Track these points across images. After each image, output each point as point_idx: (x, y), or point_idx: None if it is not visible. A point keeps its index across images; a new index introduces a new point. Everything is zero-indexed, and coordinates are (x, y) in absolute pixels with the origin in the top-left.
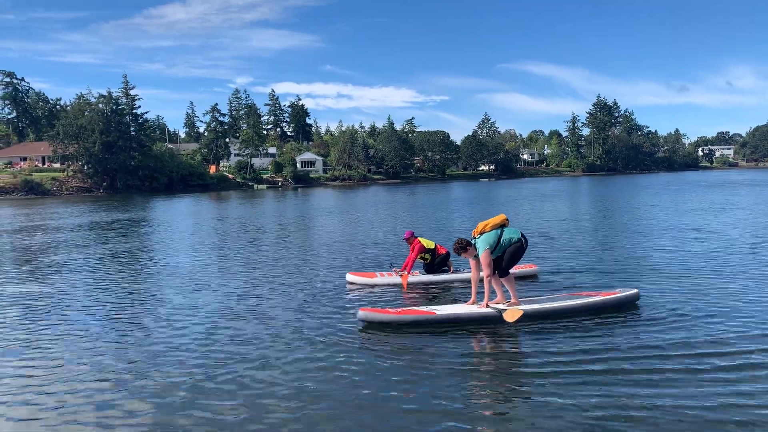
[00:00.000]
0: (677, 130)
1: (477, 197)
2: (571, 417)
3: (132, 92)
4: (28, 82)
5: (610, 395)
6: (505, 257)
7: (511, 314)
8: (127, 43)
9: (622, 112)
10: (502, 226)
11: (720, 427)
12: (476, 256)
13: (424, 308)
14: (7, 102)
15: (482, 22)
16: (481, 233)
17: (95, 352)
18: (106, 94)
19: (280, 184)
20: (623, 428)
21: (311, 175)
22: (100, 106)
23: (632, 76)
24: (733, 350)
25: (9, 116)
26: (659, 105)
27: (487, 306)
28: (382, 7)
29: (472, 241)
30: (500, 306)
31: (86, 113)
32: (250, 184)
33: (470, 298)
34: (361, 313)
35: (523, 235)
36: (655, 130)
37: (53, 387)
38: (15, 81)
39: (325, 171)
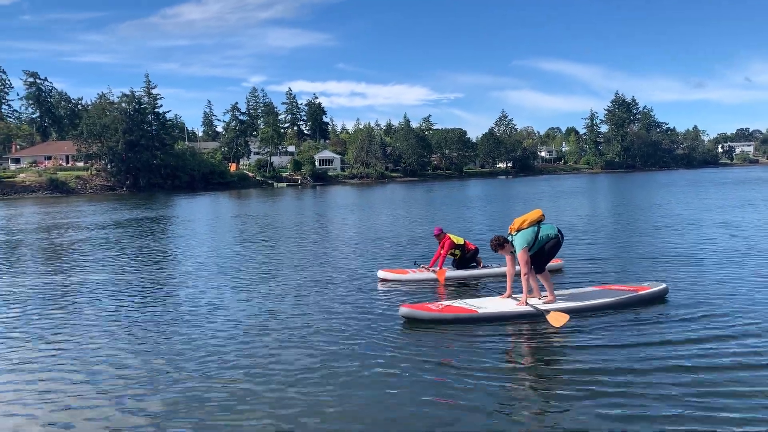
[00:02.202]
0: (695, 126)
1: (496, 195)
2: (609, 415)
3: (153, 91)
4: (51, 82)
5: (646, 394)
6: (541, 254)
7: (557, 319)
8: (144, 42)
9: (640, 108)
10: (539, 222)
11: (751, 423)
12: (512, 252)
13: (466, 305)
14: (30, 102)
15: (496, 18)
16: (518, 230)
17: (129, 350)
18: (129, 93)
19: (299, 182)
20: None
21: (329, 173)
22: (123, 105)
23: (648, 72)
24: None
25: (33, 116)
26: (676, 101)
27: (526, 303)
28: (394, 4)
29: (509, 238)
30: (540, 305)
31: (108, 112)
32: (270, 182)
33: (505, 291)
34: (403, 309)
35: (559, 230)
36: (674, 127)
37: (74, 378)
38: (38, 81)
39: (342, 169)
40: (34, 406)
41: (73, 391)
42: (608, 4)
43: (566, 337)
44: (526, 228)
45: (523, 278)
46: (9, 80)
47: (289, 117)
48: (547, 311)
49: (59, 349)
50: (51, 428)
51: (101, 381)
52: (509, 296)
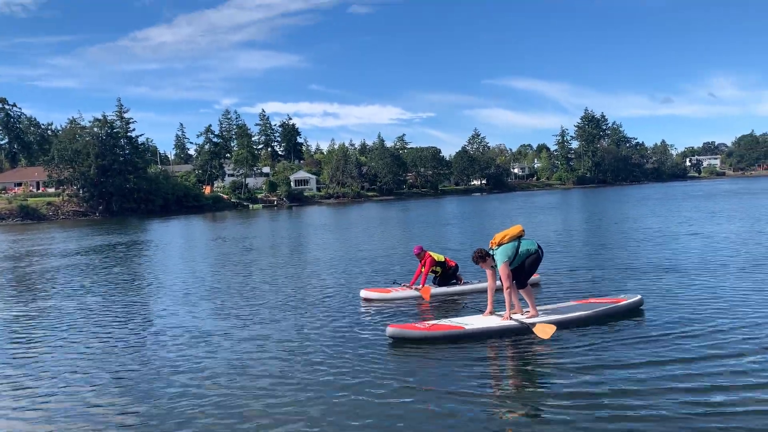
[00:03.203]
0: (663, 141)
1: (472, 212)
2: (592, 425)
3: (126, 115)
4: (19, 108)
5: (629, 406)
6: (522, 269)
7: (544, 330)
8: (114, 66)
9: (609, 124)
10: (519, 237)
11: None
12: (493, 267)
13: (452, 323)
14: None
15: (466, 38)
16: (500, 244)
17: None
18: (101, 117)
19: (275, 203)
20: None
21: (305, 194)
22: (95, 129)
23: (615, 88)
24: (735, 354)
25: (1, 142)
26: (644, 116)
27: (510, 318)
28: (366, 26)
29: (491, 252)
30: (524, 319)
31: (79, 137)
32: (245, 203)
33: (486, 307)
34: (390, 329)
35: (539, 246)
36: (642, 142)
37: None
38: (7, 107)
39: (318, 189)
40: None
41: (44, 419)
42: (576, 23)
43: (549, 352)
44: (507, 243)
45: (505, 292)
46: None
47: (263, 138)
48: (533, 324)
49: (28, 379)
50: None
51: (72, 413)
52: (491, 312)
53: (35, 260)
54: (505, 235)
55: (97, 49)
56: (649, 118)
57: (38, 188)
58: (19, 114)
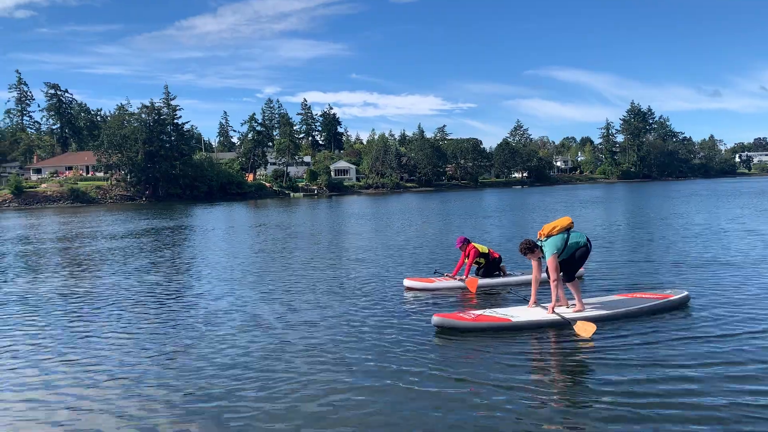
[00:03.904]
0: (712, 136)
1: (513, 205)
2: (638, 425)
3: (172, 102)
4: (71, 94)
5: (671, 403)
6: (570, 261)
7: (584, 328)
8: (160, 54)
9: (656, 118)
10: (568, 229)
11: None
12: (540, 259)
13: (498, 314)
14: (51, 113)
15: (509, 28)
16: (548, 236)
17: (150, 361)
18: (149, 104)
19: (315, 192)
20: None
21: (345, 183)
22: (143, 116)
23: (661, 80)
24: None
25: (53, 127)
26: (690, 110)
27: (553, 311)
28: (408, 14)
29: (539, 243)
30: (568, 314)
31: (127, 123)
32: (286, 192)
33: (529, 299)
34: (436, 318)
35: (588, 239)
36: (690, 136)
37: (96, 382)
38: (59, 93)
39: (357, 179)
40: (56, 406)
41: (93, 395)
42: (620, 13)
43: (594, 347)
44: (556, 234)
45: (552, 284)
46: (30, 92)
47: (304, 127)
48: (574, 320)
49: (77, 355)
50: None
51: (118, 388)
52: (535, 303)
53: (86, 241)
54: (555, 226)
55: (143, 38)
56: (696, 111)
57: (88, 172)
58: (70, 100)
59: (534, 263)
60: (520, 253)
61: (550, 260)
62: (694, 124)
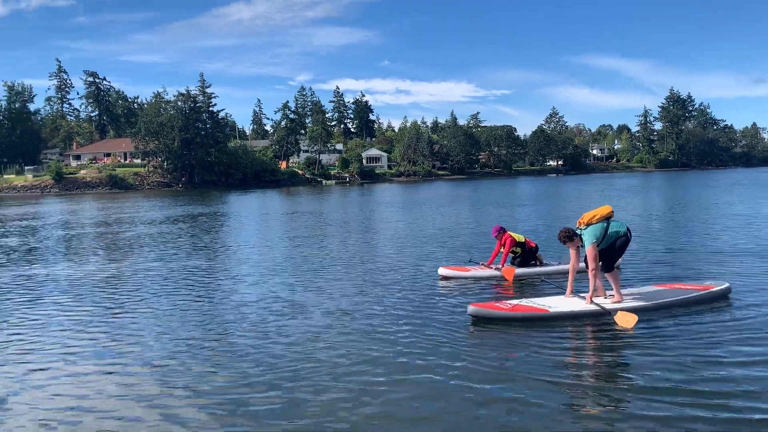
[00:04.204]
0: (755, 124)
1: (548, 193)
2: (675, 418)
3: (207, 90)
4: (109, 82)
5: (711, 405)
6: (610, 251)
7: (625, 319)
8: (194, 42)
9: (696, 105)
10: (608, 218)
11: None
12: (579, 247)
13: (535, 304)
14: (90, 100)
15: (542, 13)
16: (588, 225)
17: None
18: (185, 92)
19: (347, 179)
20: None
21: (376, 171)
22: (179, 103)
23: (701, 67)
24: None
25: (92, 114)
26: (732, 97)
27: (591, 301)
28: (439, 1)
29: (578, 231)
30: (607, 304)
31: (164, 111)
32: (318, 179)
33: (566, 288)
34: (472, 308)
35: (628, 228)
36: (731, 124)
37: (130, 368)
38: (98, 80)
39: (389, 167)
40: (92, 386)
41: (125, 380)
42: None
43: (632, 340)
44: (596, 223)
45: (590, 274)
46: (70, 80)
47: (336, 115)
48: (614, 311)
49: (111, 339)
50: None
51: (149, 374)
52: (572, 292)
53: (125, 227)
54: (594, 215)
55: (178, 26)
56: (738, 98)
57: (125, 159)
58: (108, 87)
59: (572, 252)
60: (559, 241)
61: (589, 249)
62: (736, 112)
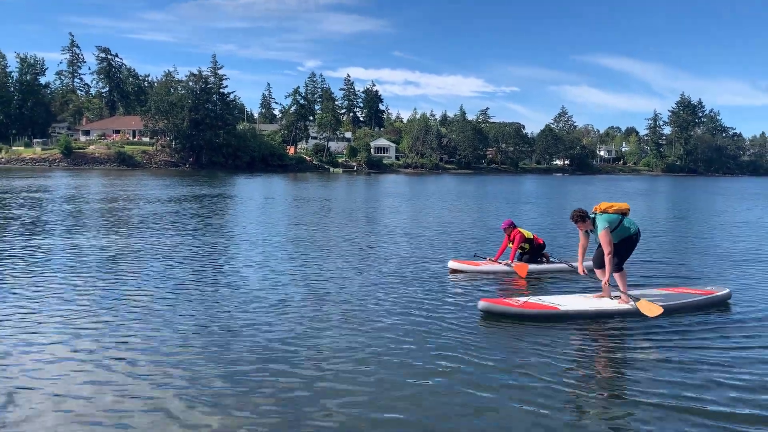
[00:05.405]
0: (764, 132)
1: (553, 192)
2: (677, 420)
3: (219, 72)
4: (121, 58)
5: (710, 413)
6: (619, 247)
7: (649, 308)
8: (205, 23)
9: (706, 111)
10: (624, 213)
11: None
12: (587, 232)
13: (546, 302)
14: (101, 76)
15: (555, 11)
16: (603, 212)
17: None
18: (197, 72)
19: (355, 168)
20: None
21: (384, 161)
22: (190, 83)
23: (712, 72)
24: None
25: (102, 90)
26: (743, 105)
27: (607, 283)
28: None
29: (591, 215)
30: (619, 301)
31: (174, 90)
32: (326, 166)
33: (577, 266)
34: (483, 303)
35: (639, 229)
36: (740, 132)
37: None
38: (110, 57)
39: (397, 158)
40: (101, 364)
41: (126, 362)
42: (673, 1)
43: (640, 343)
44: (612, 213)
45: (606, 258)
46: (82, 55)
47: (345, 103)
48: (637, 298)
49: (113, 316)
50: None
51: (146, 352)
52: (582, 271)
53: (130, 204)
54: (611, 205)
55: (189, 5)
56: (749, 107)
57: (134, 136)
58: (120, 64)
59: (581, 233)
60: (571, 220)
61: (602, 234)
62: (747, 120)
